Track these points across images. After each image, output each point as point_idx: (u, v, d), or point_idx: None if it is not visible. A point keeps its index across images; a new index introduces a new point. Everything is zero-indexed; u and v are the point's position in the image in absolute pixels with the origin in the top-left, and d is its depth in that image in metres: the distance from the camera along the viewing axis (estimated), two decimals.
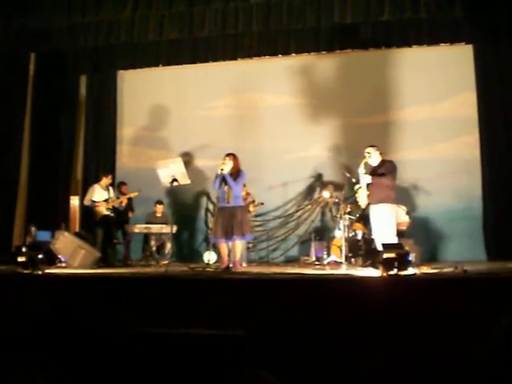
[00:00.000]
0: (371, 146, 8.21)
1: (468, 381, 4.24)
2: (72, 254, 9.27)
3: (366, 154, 8.15)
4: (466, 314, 5.09)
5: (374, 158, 8.13)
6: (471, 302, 5.27)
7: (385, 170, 7.93)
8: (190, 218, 12.40)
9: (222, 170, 8.13)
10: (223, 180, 8.14)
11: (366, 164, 8.17)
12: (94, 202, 10.05)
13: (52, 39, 11.30)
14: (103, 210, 9.95)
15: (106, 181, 10.22)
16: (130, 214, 11.15)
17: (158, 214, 11.37)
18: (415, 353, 4.88)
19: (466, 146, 11.18)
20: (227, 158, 8.24)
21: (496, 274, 6.56)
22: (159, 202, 11.40)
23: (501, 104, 10.92)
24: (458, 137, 11.24)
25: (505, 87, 10.92)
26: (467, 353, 4.66)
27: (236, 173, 8.24)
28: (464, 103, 11.28)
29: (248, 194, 10.61)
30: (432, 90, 11.36)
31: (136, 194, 10.55)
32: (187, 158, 12.16)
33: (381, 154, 8.16)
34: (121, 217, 10.56)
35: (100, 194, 10.06)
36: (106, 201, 10.02)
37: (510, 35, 10.58)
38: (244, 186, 10.27)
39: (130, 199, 10.76)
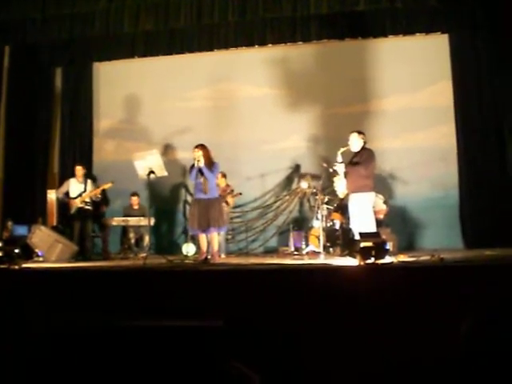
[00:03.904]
0: (356, 132, 8.19)
1: (443, 369, 4.28)
2: (49, 248, 9.22)
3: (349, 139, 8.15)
4: (443, 302, 5.13)
5: (354, 143, 8.09)
6: (448, 290, 5.32)
7: (359, 159, 7.94)
8: (169, 210, 12.37)
9: (198, 161, 8.13)
10: (199, 171, 8.15)
11: (344, 152, 8.16)
12: (66, 196, 9.99)
13: (26, 32, 11.14)
14: (77, 203, 9.88)
15: (78, 172, 10.12)
16: (104, 208, 10.97)
17: (135, 207, 11.33)
18: (392, 341, 4.91)
19: (443, 136, 11.26)
20: (198, 150, 8.23)
21: (472, 262, 6.63)
22: (134, 194, 11.33)
23: (476, 93, 11.02)
24: (436, 126, 11.31)
25: (480, 76, 11.02)
26: (444, 340, 4.70)
27: (210, 164, 8.24)
28: (441, 93, 11.35)
29: (228, 185, 10.62)
30: (409, 79, 11.41)
31: (109, 185, 10.22)
32: (165, 150, 12.14)
33: (364, 141, 8.11)
34: (97, 210, 10.47)
35: (76, 188, 9.99)
36: (80, 195, 9.92)
37: (485, 24, 10.66)
38: (224, 177, 10.31)
39: (104, 193, 10.61)
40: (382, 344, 4.91)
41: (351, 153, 8.13)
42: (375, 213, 8.30)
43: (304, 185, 10.83)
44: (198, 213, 8.19)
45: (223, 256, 10.02)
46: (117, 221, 10.86)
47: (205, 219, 8.12)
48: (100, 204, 10.53)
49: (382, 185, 10.39)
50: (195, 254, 10.10)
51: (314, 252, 9.52)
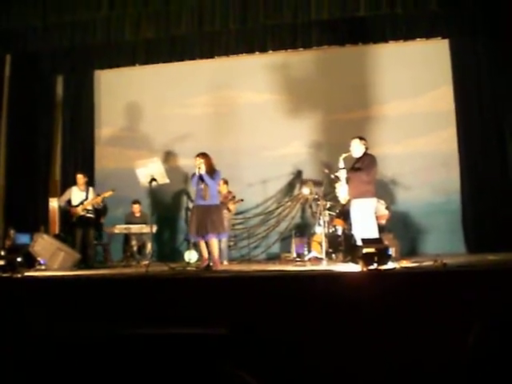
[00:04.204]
0: (357, 138, 8.19)
1: (448, 374, 4.26)
2: (51, 257, 9.21)
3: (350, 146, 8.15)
4: (446, 307, 5.12)
5: (355, 149, 8.08)
6: (451, 295, 5.30)
7: (361, 165, 7.93)
8: (171, 217, 12.36)
9: (199, 168, 8.15)
10: (200, 178, 8.17)
11: (346, 158, 8.16)
12: (68, 204, 10.00)
13: (27, 40, 11.18)
14: (79, 211, 9.88)
15: (79, 180, 10.13)
16: (102, 219, 10.90)
17: (137, 214, 11.32)
18: (396, 347, 4.90)
19: (445, 140, 11.25)
20: (199, 158, 8.26)
21: (475, 267, 6.61)
22: (135, 202, 11.31)
23: (477, 98, 11.03)
24: (437, 131, 11.31)
25: (481, 81, 11.02)
26: (447, 346, 4.69)
27: (212, 171, 8.26)
28: (442, 98, 11.35)
29: (229, 192, 10.62)
30: (410, 85, 11.41)
31: (110, 193, 10.18)
32: (166, 157, 12.14)
33: (366, 147, 8.11)
34: (98, 218, 10.47)
35: (77, 196, 9.99)
36: (82, 203, 9.91)
37: (485, 29, 10.66)
38: (226, 183, 10.31)
39: (104, 208, 10.54)
40: (386, 350, 4.89)
41: (353, 159, 8.13)
42: (377, 218, 8.28)
43: (306, 191, 10.83)
44: (197, 219, 8.21)
45: (225, 263, 10.02)
46: (119, 228, 10.86)
47: (203, 225, 8.14)
48: (100, 213, 10.50)
49: (383, 190, 10.39)
50: (197, 261, 10.09)
51: (316, 258, 9.51)
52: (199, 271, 8.08)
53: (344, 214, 9.40)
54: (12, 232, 10.82)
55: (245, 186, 11.57)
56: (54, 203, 12.26)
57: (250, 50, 11.82)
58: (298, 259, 10.00)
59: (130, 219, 11.24)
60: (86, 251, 9.84)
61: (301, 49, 11.69)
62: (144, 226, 10.63)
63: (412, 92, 11.44)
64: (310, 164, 11.73)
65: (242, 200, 10.80)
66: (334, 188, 8.54)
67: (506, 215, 10.27)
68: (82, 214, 9.88)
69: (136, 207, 11.32)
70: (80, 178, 10.17)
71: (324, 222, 9.24)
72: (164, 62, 12.22)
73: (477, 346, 1.30)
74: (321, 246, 8.97)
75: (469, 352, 1.31)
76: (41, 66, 12.55)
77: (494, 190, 10.63)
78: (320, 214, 9.44)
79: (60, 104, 13.16)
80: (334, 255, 9.58)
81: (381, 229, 8.37)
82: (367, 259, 6.28)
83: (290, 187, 11.93)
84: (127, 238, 11.06)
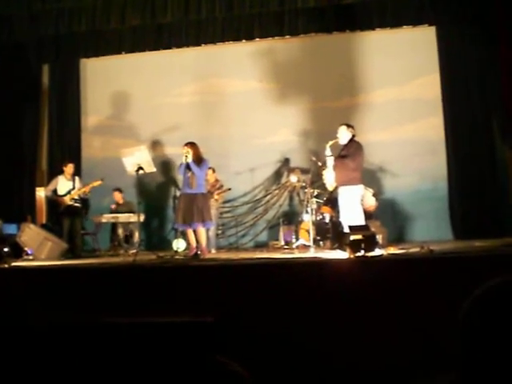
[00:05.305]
0: (344, 124, 8.19)
1: (436, 359, 4.30)
2: (39, 247, 9.18)
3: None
4: (433, 293, 5.15)
5: (342, 136, 8.08)
6: (438, 281, 5.33)
7: (347, 152, 7.93)
8: (159, 206, 12.32)
9: (186, 157, 8.15)
10: (187, 167, 8.17)
11: (333, 145, 8.16)
12: (54, 193, 9.94)
13: (13, 28, 11.09)
14: (66, 200, 9.82)
15: (67, 170, 10.06)
16: (84, 214, 10.71)
17: (120, 202, 11.19)
18: (383, 333, 4.92)
19: (432, 128, 11.27)
20: (186, 147, 8.26)
21: (461, 253, 6.64)
22: (115, 189, 11.20)
23: (464, 84, 11.05)
24: (424, 118, 11.33)
25: (468, 68, 11.04)
26: (434, 332, 4.72)
27: (199, 160, 8.26)
28: (429, 85, 11.35)
29: (217, 180, 10.60)
30: (397, 72, 11.40)
31: (99, 182, 10.07)
32: (154, 146, 12.10)
33: (353, 134, 8.10)
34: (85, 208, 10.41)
35: (64, 185, 9.93)
36: (69, 192, 9.86)
37: (472, 16, 10.66)
38: (214, 171, 10.29)
39: (86, 200, 10.44)
40: (374, 336, 4.92)
41: (340, 146, 8.13)
42: (366, 208, 8.31)
43: (293, 179, 10.85)
44: (183, 207, 8.23)
45: (213, 251, 10.03)
46: (106, 218, 10.80)
47: (189, 214, 8.14)
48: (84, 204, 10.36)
49: (371, 178, 10.41)
50: (185, 249, 10.08)
51: (304, 246, 9.53)
52: (187, 260, 8.08)
53: (331, 201, 9.42)
54: None
55: (232, 174, 11.55)
56: (40, 193, 12.21)
57: (236, 37, 11.75)
58: (285, 247, 10.03)
59: (115, 207, 11.16)
60: (74, 241, 9.81)
61: (288, 36, 11.64)
62: (131, 214, 10.58)
63: (399, 79, 11.43)
64: (298, 152, 11.72)
65: (229, 189, 10.78)
66: (322, 175, 8.54)
67: (492, 202, 10.35)
68: (70, 203, 9.83)
69: (117, 194, 11.19)
70: (70, 167, 10.08)
71: (311, 209, 9.26)
72: (150, 51, 12.12)
73: (466, 323, 1.31)
74: (308, 233, 8.99)
75: (459, 329, 1.31)
76: (26, 54, 12.43)
77: (481, 177, 10.69)
78: (307, 201, 9.45)
79: (46, 93, 13.04)
80: (321, 242, 9.61)
81: (368, 216, 8.39)
82: (354, 246, 6.32)
83: (277, 175, 11.93)
84: (114, 227, 11.01)
